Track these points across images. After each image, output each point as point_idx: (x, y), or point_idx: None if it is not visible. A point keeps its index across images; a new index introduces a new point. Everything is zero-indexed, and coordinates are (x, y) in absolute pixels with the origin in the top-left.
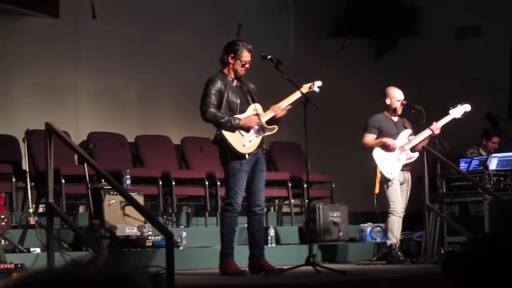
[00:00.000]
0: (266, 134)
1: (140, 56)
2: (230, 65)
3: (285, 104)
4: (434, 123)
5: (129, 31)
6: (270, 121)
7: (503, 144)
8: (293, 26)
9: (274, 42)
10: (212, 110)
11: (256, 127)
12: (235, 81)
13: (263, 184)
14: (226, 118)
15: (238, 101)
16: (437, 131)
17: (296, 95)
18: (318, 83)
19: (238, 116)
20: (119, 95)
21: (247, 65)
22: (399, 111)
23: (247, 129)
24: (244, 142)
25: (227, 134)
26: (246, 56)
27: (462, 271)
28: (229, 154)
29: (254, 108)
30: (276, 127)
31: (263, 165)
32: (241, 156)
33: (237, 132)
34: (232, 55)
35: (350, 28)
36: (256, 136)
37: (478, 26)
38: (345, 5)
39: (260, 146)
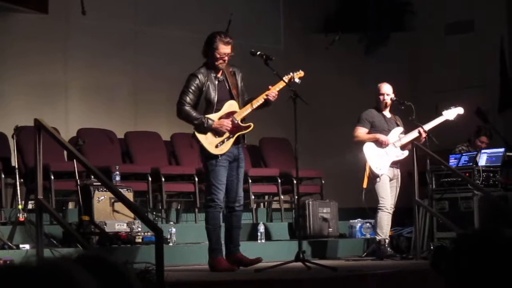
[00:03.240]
0: (239, 133)
1: (130, 52)
2: (209, 59)
3: (277, 89)
4: (421, 128)
5: (119, 27)
6: (262, 105)
7: (493, 139)
8: (283, 22)
9: (264, 38)
10: (186, 108)
11: (228, 130)
12: (218, 75)
13: (242, 181)
14: (199, 120)
15: (216, 99)
16: (424, 134)
17: (282, 83)
18: (299, 74)
19: (212, 115)
20: (108, 91)
21: (225, 58)
22: (385, 107)
23: (220, 132)
24: (217, 143)
25: (199, 135)
26: (222, 48)
27: (452, 267)
28: (205, 152)
29: (230, 104)
30: (251, 126)
31: (243, 161)
32: (213, 156)
33: (209, 132)
34: (209, 47)
35: (340, 24)
36: (229, 137)
37: (469, 21)
38: (335, 0)
39: (237, 142)
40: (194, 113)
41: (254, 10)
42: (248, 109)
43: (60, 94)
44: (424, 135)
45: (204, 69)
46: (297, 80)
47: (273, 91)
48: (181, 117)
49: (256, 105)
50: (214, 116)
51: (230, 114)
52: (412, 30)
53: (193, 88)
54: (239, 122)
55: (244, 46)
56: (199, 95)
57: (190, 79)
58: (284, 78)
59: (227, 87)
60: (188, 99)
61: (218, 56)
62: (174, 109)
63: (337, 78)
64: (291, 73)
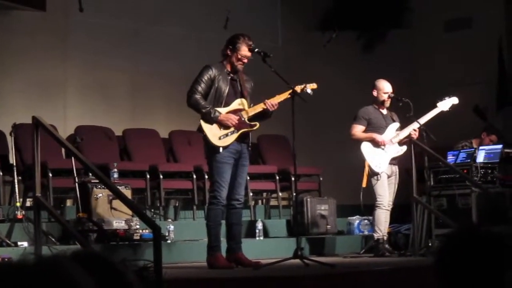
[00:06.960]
0: (244, 130)
1: (128, 49)
2: (228, 57)
3: (278, 100)
4: (416, 122)
5: (117, 24)
6: (260, 114)
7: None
8: (281, 19)
9: (261, 36)
10: (197, 97)
11: (233, 124)
12: (231, 74)
13: (244, 179)
14: (208, 109)
15: (226, 93)
16: (413, 134)
17: (287, 93)
18: (312, 85)
19: (220, 109)
20: (107, 88)
21: (244, 60)
22: (387, 104)
23: (225, 125)
24: (220, 135)
25: (205, 125)
26: (244, 50)
27: (439, 264)
28: (209, 146)
29: (240, 102)
30: (257, 125)
31: (246, 160)
32: (215, 148)
33: (215, 124)
34: (230, 47)
35: (338, 21)
36: (234, 131)
37: (467, 18)
38: None
39: (240, 140)
40: (203, 102)
41: (252, 8)
42: (263, 106)
43: (58, 92)
44: (414, 134)
45: (219, 64)
46: (309, 90)
47: (273, 101)
48: (190, 104)
49: (253, 113)
50: (222, 110)
51: (238, 111)
52: (411, 27)
53: (205, 78)
54: (246, 120)
55: None
56: (211, 86)
57: (204, 70)
58: (296, 88)
59: (239, 88)
60: (199, 88)
61: (239, 57)
62: (172, 107)
63: (335, 75)
64: (304, 84)
